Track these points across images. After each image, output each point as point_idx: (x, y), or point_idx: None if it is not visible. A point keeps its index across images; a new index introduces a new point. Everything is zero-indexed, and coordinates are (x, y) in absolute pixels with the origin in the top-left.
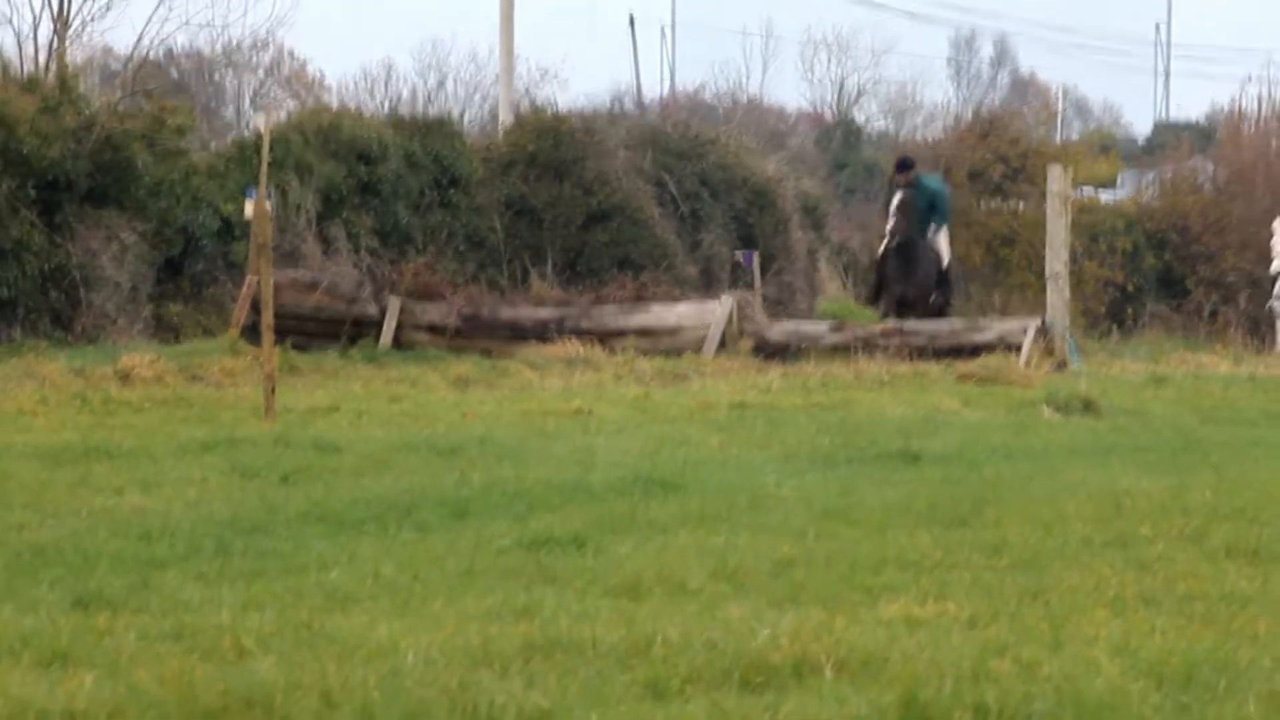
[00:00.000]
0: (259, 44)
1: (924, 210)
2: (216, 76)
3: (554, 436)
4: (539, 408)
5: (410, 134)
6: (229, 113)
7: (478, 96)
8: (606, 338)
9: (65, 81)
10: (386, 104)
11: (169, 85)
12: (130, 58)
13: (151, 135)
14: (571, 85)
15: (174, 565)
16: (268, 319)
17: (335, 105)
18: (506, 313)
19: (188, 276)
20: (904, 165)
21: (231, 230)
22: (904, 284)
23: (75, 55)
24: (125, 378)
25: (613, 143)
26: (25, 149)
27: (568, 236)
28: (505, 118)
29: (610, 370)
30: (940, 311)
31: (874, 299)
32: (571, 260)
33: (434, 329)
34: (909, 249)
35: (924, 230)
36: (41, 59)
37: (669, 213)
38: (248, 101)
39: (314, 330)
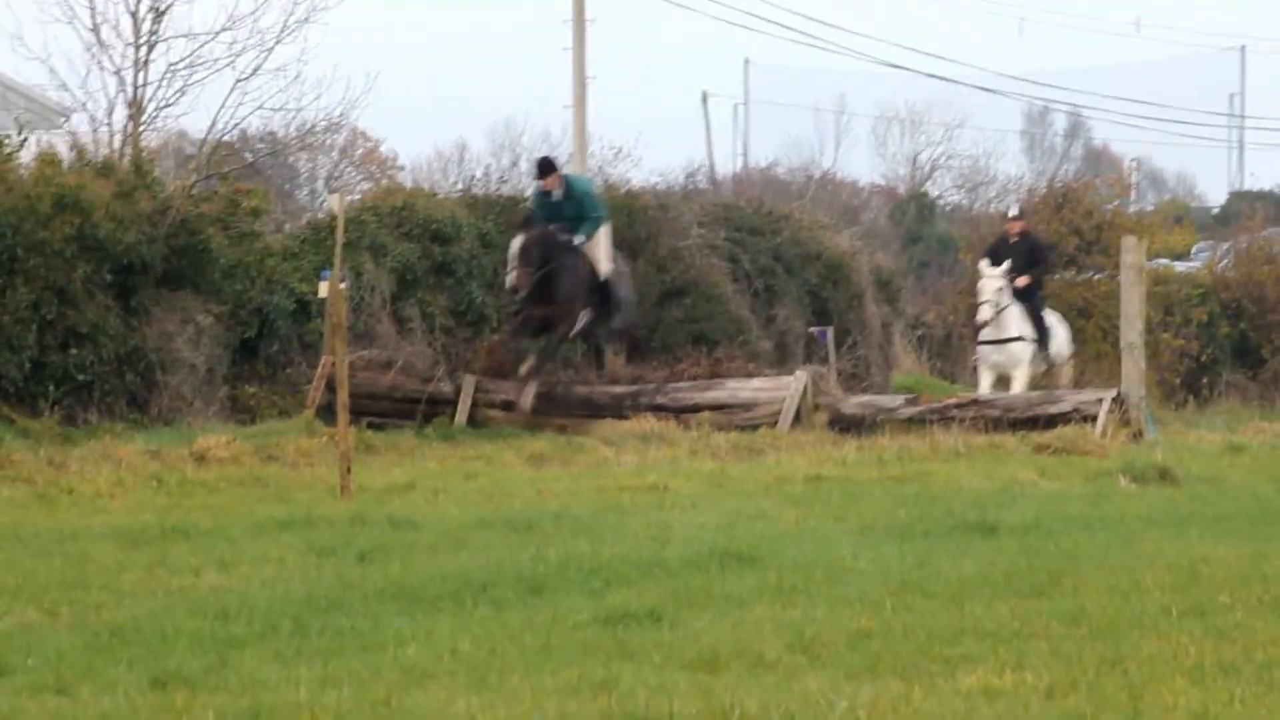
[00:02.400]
0: (333, 126)
1: (572, 218)
2: (291, 159)
3: (629, 512)
4: (614, 483)
5: (484, 213)
6: (303, 194)
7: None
8: (681, 413)
9: (140, 166)
10: (460, 184)
11: (243, 168)
12: (204, 141)
13: (226, 218)
14: (644, 163)
15: (251, 644)
16: (343, 398)
17: (409, 185)
18: (581, 389)
19: (263, 358)
20: (546, 168)
21: (307, 311)
22: (544, 305)
23: (150, 140)
24: (201, 459)
25: (686, 219)
26: (101, 234)
27: (642, 313)
28: None
29: (685, 445)
30: (616, 333)
31: (516, 313)
32: (646, 336)
33: (509, 406)
34: (554, 271)
35: (581, 234)
36: (116, 144)
37: (743, 288)
38: (322, 183)
39: (389, 409)
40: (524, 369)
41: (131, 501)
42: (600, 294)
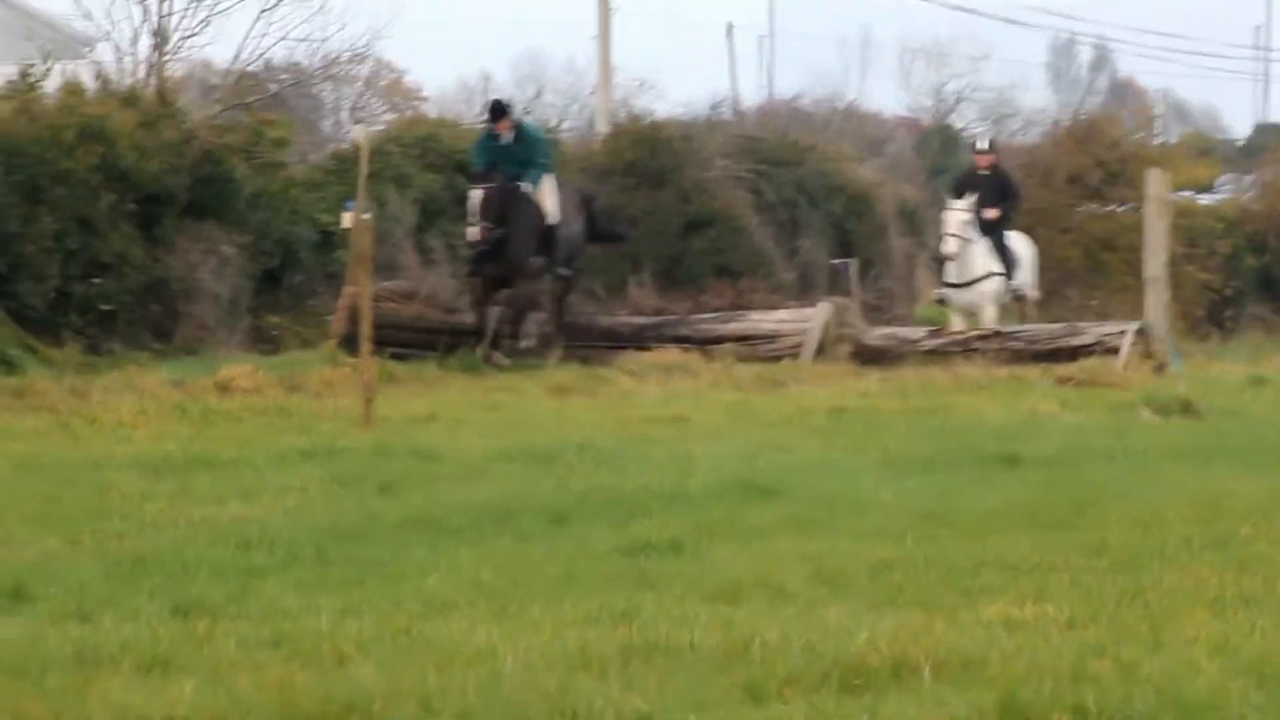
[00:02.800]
0: (357, 56)
1: (520, 163)
2: (315, 89)
3: (652, 443)
4: (637, 414)
5: None
6: (327, 125)
7: (575, 106)
8: (704, 345)
9: (164, 96)
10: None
11: (267, 99)
12: (229, 71)
13: (250, 148)
14: (669, 94)
15: (273, 573)
16: (366, 329)
17: (433, 116)
18: (604, 320)
19: (286, 288)
20: (498, 111)
21: (330, 242)
22: (497, 260)
23: (174, 70)
24: (224, 389)
25: (710, 151)
26: (125, 163)
27: (665, 244)
28: (603, 127)
29: (708, 377)
30: (563, 282)
31: (470, 274)
32: (669, 268)
33: (538, 334)
34: (503, 219)
35: (529, 182)
36: (141, 74)
37: (766, 220)
38: (346, 114)
39: (412, 340)
40: (491, 356)
41: (154, 431)
42: (547, 239)
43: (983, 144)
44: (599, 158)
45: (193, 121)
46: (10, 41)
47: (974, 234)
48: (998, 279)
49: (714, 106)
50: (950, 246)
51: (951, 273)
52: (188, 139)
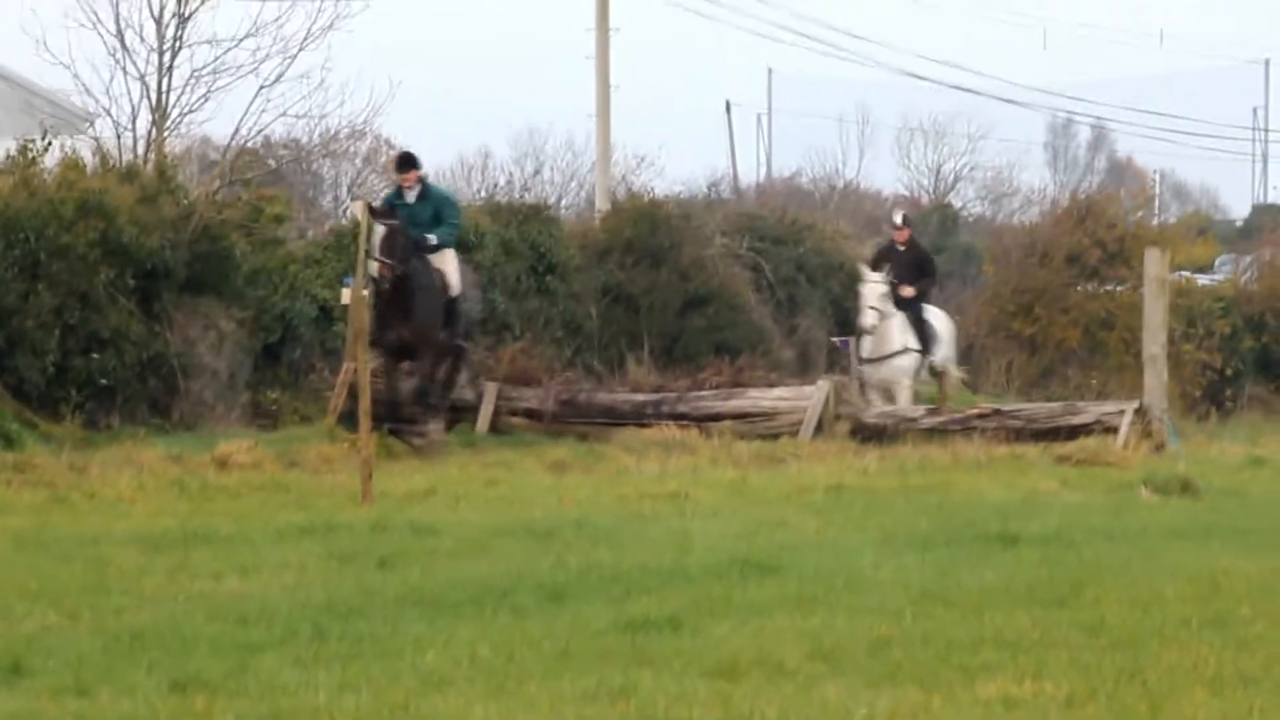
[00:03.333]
0: (356, 133)
1: (426, 222)
2: (314, 165)
3: (650, 520)
4: (635, 491)
5: (507, 221)
6: (327, 201)
7: (574, 184)
8: (703, 422)
9: (164, 171)
10: (483, 191)
11: (266, 174)
12: (228, 147)
13: (249, 224)
14: (668, 172)
15: (271, 649)
16: (365, 405)
17: None
18: (603, 397)
19: (285, 363)
20: (406, 163)
21: (329, 317)
22: (401, 326)
23: (174, 145)
24: (223, 464)
25: (709, 228)
26: (124, 238)
27: (664, 322)
28: (602, 204)
29: (707, 454)
30: (454, 354)
31: (372, 343)
32: (668, 345)
33: (530, 414)
34: (407, 282)
35: (421, 243)
36: (140, 149)
37: (765, 298)
38: (345, 190)
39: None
40: (404, 432)
41: (153, 506)
42: (448, 310)
43: (898, 219)
44: (598, 235)
45: (192, 197)
46: (10, 116)
47: (891, 308)
48: (914, 355)
49: (713, 184)
50: (868, 319)
51: (867, 347)
52: (187, 214)
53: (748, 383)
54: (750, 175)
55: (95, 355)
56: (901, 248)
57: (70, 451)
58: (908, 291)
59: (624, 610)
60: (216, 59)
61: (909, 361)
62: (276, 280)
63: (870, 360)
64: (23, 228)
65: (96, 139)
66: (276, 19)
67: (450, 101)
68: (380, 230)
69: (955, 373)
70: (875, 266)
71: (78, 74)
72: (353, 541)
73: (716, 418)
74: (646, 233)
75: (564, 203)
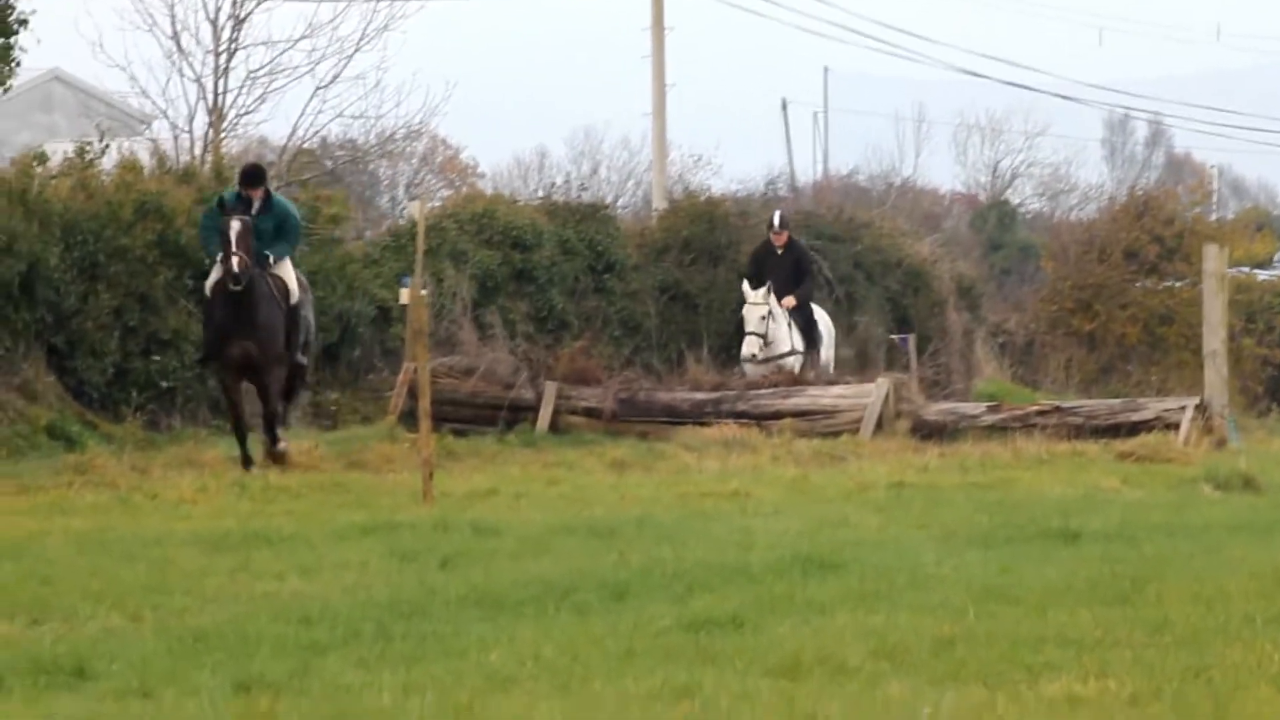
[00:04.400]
0: (413, 133)
1: (270, 235)
2: (371, 166)
3: (712, 518)
4: (696, 490)
5: (564, 220)
6: (384, 201)
7: (631, 183)
8: (763, 420)
9: (221, 173)
10: (540, 191)
11: (324, 175)
12: (285, 148)
13: (307, 225)
14: (725, 170)
15: (334, 650)
16: (425, 405)
17: (489, 193)
18: (663, 396)
19: (345, 363)
20: (253, 178)
21: (388, 317)
22: (245, 338)
23: (230, 147)
24: (290, 463)
25: (767, 227)
26: (182, 240)
27: (723, 320)
28: (659, 203)
29: (767, 452)
30: (296, 369)
31: (208, 358)
32: (727, 344)
33: (590, 413)
34: (249, 292)
35: (262, 261)
36: (197, 151)
37: (824, 296)
38: (402, 190)
39: (471, 416)
40: (271, 452)
41: (214, 507)
42: (289, 320)
43: (776, 221)
44: (655, 234)
45: None
46: (68, 119)
47: (775, 318)
48: (799, 355)
49: (770, 183)
50: (750, 347)
51: (754, 349)
52: None
53: (807, 381)
54: (807, 173)
55: (155, 356)
56: (780, 250)
57: (131, 452)
58: (788, 303)
59: (686, 608)
60: (272, 60)
61: (795, 362)
62: (335, 280)
63: (758, 362)
64: (81, 230)
65: (154, 141)
66: (332, 20)
67: (506, 101)
68: (236, 225)
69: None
70: (754, 269)
71: (134, 76)
72: (415, 541)
73: (777, 416)
74: (704, 231)
75: (621, 202)
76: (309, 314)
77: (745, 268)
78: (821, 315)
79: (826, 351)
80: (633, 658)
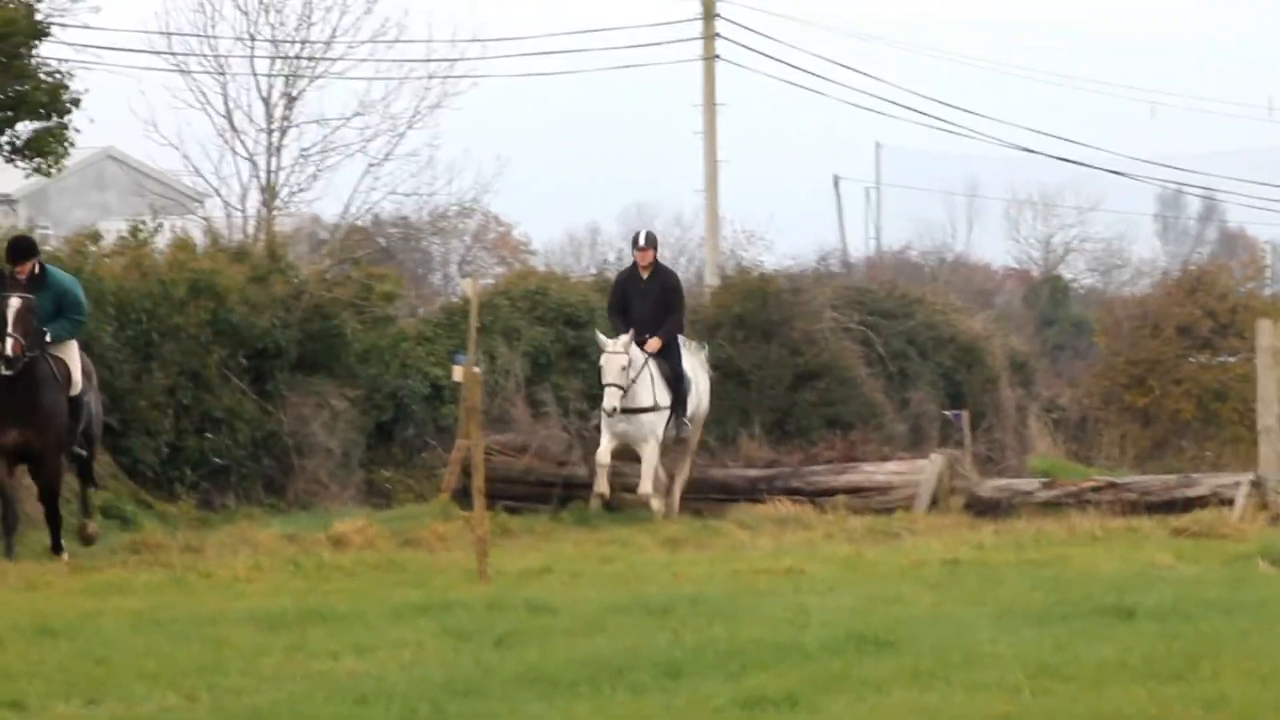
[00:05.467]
0: (465, 210)
1: (50, 316)
2: (423, 243)
3: (766, 595)
4: (750, 567)
5: None
6: (436, 278)
7: (683, 259)
8: (817, 496)
9: (274, 250)
10: (593, 267)
11: (376, 252)
12: (337, 226)
13: (360, 302)
14: (777, 246)
15: None
16: (479, 482)
17: (542, 270)
18: (716, 473)
19: (398, 442)
20: (19, 253)
21: (441, 395)
22: (23, 427)
23: (283, 224)
24: (338, 543)
25: (819, 303)
26: (235, 318)
27: (776, 396)
28: (711, 279)
29: (821, 529)
30: (84, 464)
31: None
32: (780, 420)
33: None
34: (27, 376)
35: (55, 336)
36: (250, 229)
37: (877, 371)
38: (455, 267)
39: (525, 493)
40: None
41: (269, 585)
42: (71, 412)
43: (642, 239)
44: (708, 310)
45: (302, 276)
46: (121, 198)
47: (635, 371)
48: (664, 411)
49: (822, 258)
50: (612, 400)
51: (612, 401)
52: (297, 293)
53: (861, 457)
54: (859, 249)
55: (209, 435)
56: (645, 274)
57: (186, 531)
58: (652, 347)
59: (741, 687)
60: (325, 138)
61: (657, 420)
62: (388, 358)
63: (619, 415)
64: (135, 308)
65: (206, 219)
66: (384, 98)
67: (558, 178)
68: (15, 304)
69: (694, 435)
70: (616, 300)
71: (187, 155)
72: (469, 620)
73: (830, 492)
74: (756, 307)
75: (681, 276)
76: (93, 401)
77: (609, 298)
78: (693, 359)
79: (695, 403)
80: None
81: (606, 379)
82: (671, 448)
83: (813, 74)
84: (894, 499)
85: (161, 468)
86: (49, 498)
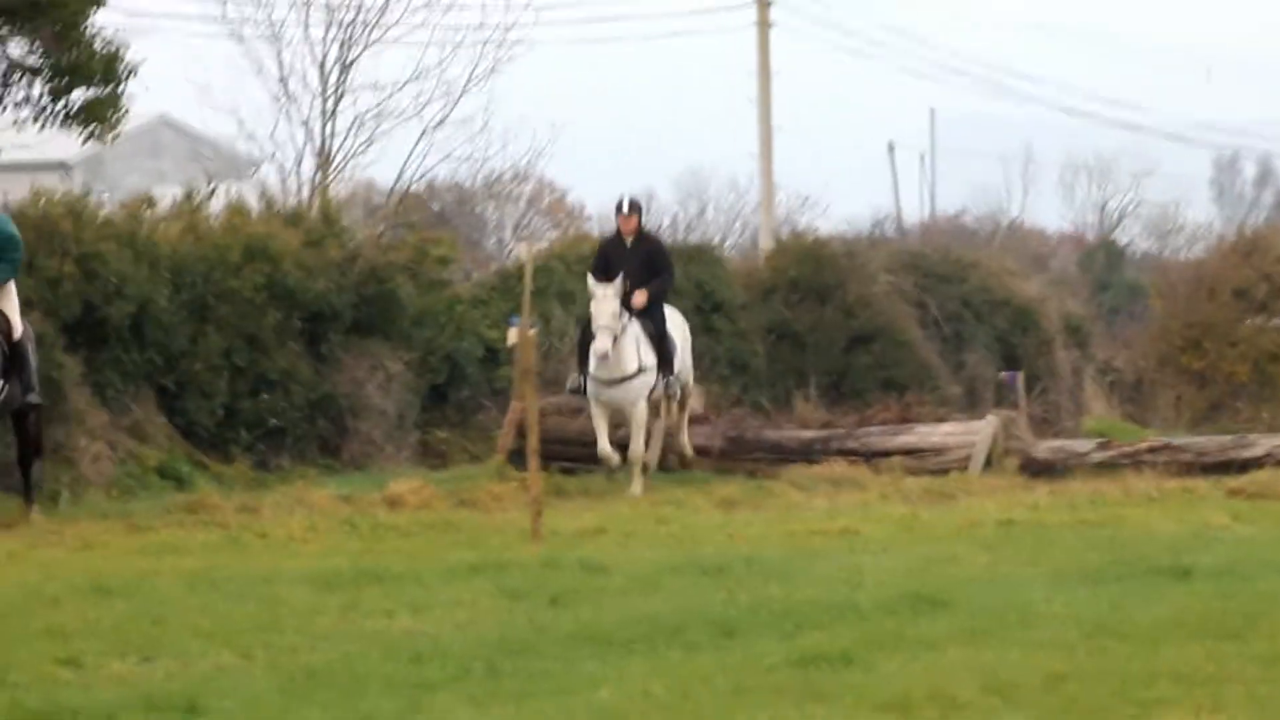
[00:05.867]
0: (519, 175)
1: None
2: (478, 208)
3: (820, 556)
4: (805, 527)
5: (676, 260)
6: (491, 243)
7: (738, 224)
8: (872, 458)
9: (328, 215)
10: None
11: (431, 217)
12: (392, 190)
13: (415, 266)
14: (831, 211)
15: (445, 687)
16: (534, 443)
17: (596, 233)
18: (771, 434)
19: (453, 403)
20: None
21: (495, 358)
22: None
23: (338, 189)
24: (393, 503)
25: (874, 267)
26: (291, 282)
27: (831, 359)
28: (766, 243)
29: (876, 490)
30: (22, 411)
31: None
32: (835, 382)
33: (699, 451)
34: None
35: None
36: (305, 194)
37: (931, 334)
38: (509, 232)
39: (579, 454)
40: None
41: (324, 546)
42: (14, 359)
43: (625, 206)
44: (763, 274)
45: (357, 240)
46: (177, 163)
47: (625, 320)
48: (651, 374)
49: (877, 223)
50: (603, 343)
51: (598, 369)
52: (352, 257)
53: (915, 418)
54: (914, 214)
55: (264, 397)
56: (629, 239)
57: (241, 492)
58: (639, 300)
59: (796, 646)
60: (379, 104)
61: (644, 383)
62: (443, 321)
63: (602, 381)
64: (190, 272)
65: (261, 184)
66: (439, 63)
67: (613, 143)
68: None
69: (690, 393)
70: (599, 264)
71: (242, 121)
72: (524, 579)
73: (885, 453)
74: (811, 271)
75: (728, 242)
76: (32, 350)
77: (590, 262)
78: (677, 323)
79: (680, 363)
80: (742, 694)
81: (598, 322)
82: (666, 405)
83: (868, 40)
84: (949, 460)
85: (217, 429)
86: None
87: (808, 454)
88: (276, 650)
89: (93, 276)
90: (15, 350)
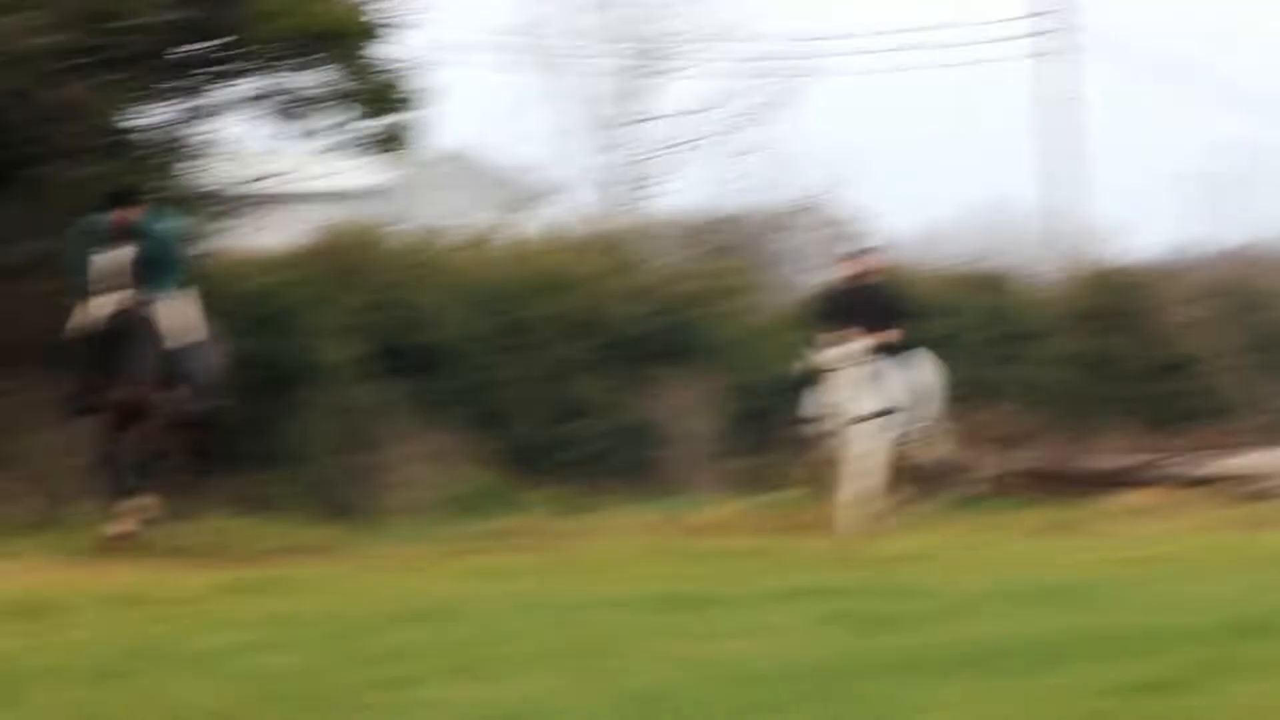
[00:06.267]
0: (816, 203)
1: (154, 268)
2: (776, 235)
3: (1141, 582)
4: (1120, 554)
5: (973, 289)
6: (794, 270)
7: (1040, 251)
8: (1186, 485)
9: (629, 243)
10: (949, 260)
11: (730, 245)
12: (688, 219)
13: (718, 293)
14: (1136, 239)
15: (781, 710)
16: (847, 470)
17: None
18: (1088, 460)
19: (763, 430)
20: (123, 198)
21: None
22: (117, 382)
23: (636, 218)
24: (707, 528)
25: (1179, 294)
26: (598, 308)
27: (1136, 387)
28: (1069, 271)
29: (1192, 517)
30: (197, 423)
31: (80, 410)
32: (1144, 411)
33: (1015, 478)
34: (126, 329)
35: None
36: (602, 223)
37: (1243, 361)
38: (812, 258)
39: (891, 481)
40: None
41: (643, 570)
42: (172, 367)
43: (854, 250)
44: (1064, 303)
45: (659, 268)
46: (472, 194)
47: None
48: (875, 420)
49: (1182, 250)
50: (833, 395)
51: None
52: (656, 285)
53: (1230, 445)
54: (1216, 242)
55: (580, 421)
56: (856, 284)
57: (553, 517)
58: (883, 338)
59: (1119, 672)
60: (676, 133)
61: (869, 427)
62: (752, 348)
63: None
64: (509, 299)
65: (566, 213)
66: (736, 93)
67: (911, 170)
68: (129, 251)
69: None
70: (820, 309)
71: (537, 151)
72: (841, 604)
73: (1200, 481)
74: (1113, 299)
75: (1030, 271)
76: (206, 363)
77: (816, 308)
78: (919, 363)
79: (912, 402)
80: None
81: (825, 371)
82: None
83: (1168, 69)
84: (1266, 487)
85: (535, 454)
86: (135, 463)
87: (1120, 482)
88: (603, 674)
89: (403, 305)
90: (177, 360)
